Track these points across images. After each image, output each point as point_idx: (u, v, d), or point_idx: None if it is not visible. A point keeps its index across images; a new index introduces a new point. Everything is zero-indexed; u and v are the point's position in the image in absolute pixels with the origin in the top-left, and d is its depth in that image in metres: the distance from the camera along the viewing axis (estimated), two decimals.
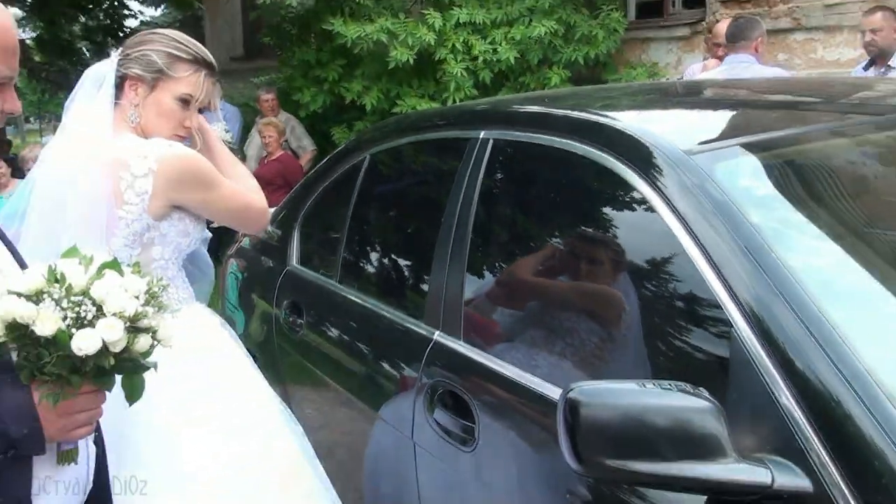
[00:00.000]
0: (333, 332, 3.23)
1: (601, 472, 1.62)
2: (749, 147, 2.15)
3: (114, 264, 1.68)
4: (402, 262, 3.15)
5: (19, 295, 1.57)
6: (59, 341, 1.56)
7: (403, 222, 3.28)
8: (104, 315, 1.60)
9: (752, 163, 2.12)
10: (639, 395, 1.60)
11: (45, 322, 1.55)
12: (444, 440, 2.39)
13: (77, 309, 1.59)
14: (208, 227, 2.84)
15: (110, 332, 1.58)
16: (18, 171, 7.74)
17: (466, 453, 2.31)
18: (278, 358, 3.39)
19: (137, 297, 1.64)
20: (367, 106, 8.42)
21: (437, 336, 2.55)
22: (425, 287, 2.73)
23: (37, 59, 18.14)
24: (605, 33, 8.35)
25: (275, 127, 8.60)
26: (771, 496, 1.55)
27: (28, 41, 20.13)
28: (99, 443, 1.91)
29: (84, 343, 1.56)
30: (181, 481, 2.46)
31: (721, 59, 6.11)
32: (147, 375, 1.77)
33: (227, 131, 9.75)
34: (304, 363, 3.28)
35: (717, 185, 1.96)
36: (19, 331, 1.56)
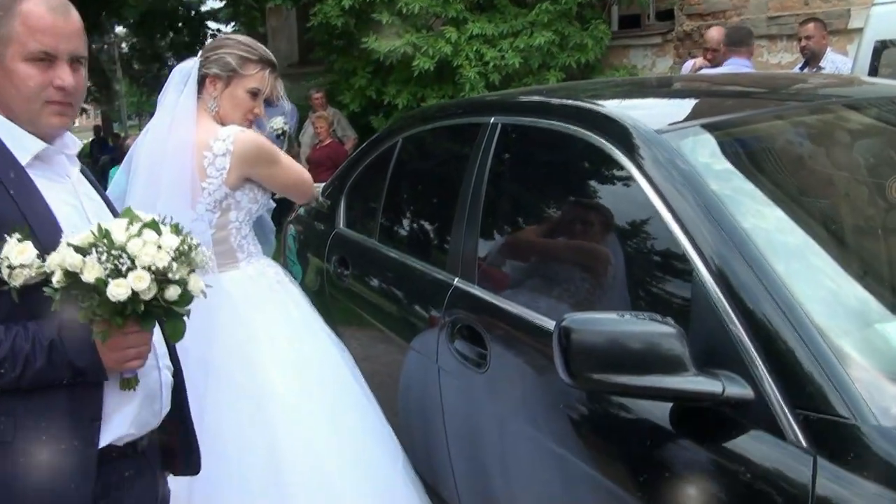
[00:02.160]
0: (373, 281, 3.25)
1: (588, 385, 1.64)
2: (709, 127, 2.14)
3: (153, 224, 1.62)
4: (428, 224, 3.15)
5: (75, 248, 1.54)
6: (98, 287, 1.53)
7: (429, 192, 3.28)
8: (136, 268, 1.55)
9: (711, 140, 2.11)
10: (618, 323, 1.62)
11: (90, 271, 1.52)
12: (462, 364, 2.41)
13: (115, 262, 1.54)
14: (273, 199, 2.86)
15: (139, 283, 1.53)
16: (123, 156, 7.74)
17: (480, 375, 2.33)
18: (329, 303, 3.41)
19: (169, 253, 1.58)
20: (399, 105, 8.42)
21: (457, 282, 2.56)
22: (447, 243, 2.73)
23: (136, 67, 18.17)
24: (593, 42, 8.28)
25: (325, 119, 8.64)
26: (722, 402, 1.56)
27: (129, 53, 20.16)
28: (177, 374, 1.89)
29: (116, 290, 1.52)
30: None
31: (709, 60, 6.08)
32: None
33: (286, 123, 9.76)
34: (350, 307, 3.29)
35: (683, 158, 1.96)
36: (72, 278, 1.53)
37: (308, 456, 2.49)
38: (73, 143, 1.82)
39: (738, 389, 1.55)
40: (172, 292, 1.58)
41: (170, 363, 1.86)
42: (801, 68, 6.01)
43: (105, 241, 1.56)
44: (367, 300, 3.23)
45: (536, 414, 2.14)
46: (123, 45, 19.91)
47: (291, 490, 2.42)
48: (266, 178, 2.65)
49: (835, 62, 5.83)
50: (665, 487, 1.69)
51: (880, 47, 4.85)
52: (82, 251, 1.54)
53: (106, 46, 19.28)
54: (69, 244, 1.55)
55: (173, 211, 2.46)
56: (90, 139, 18.13)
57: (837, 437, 1.43)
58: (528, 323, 2.19)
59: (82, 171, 1.86)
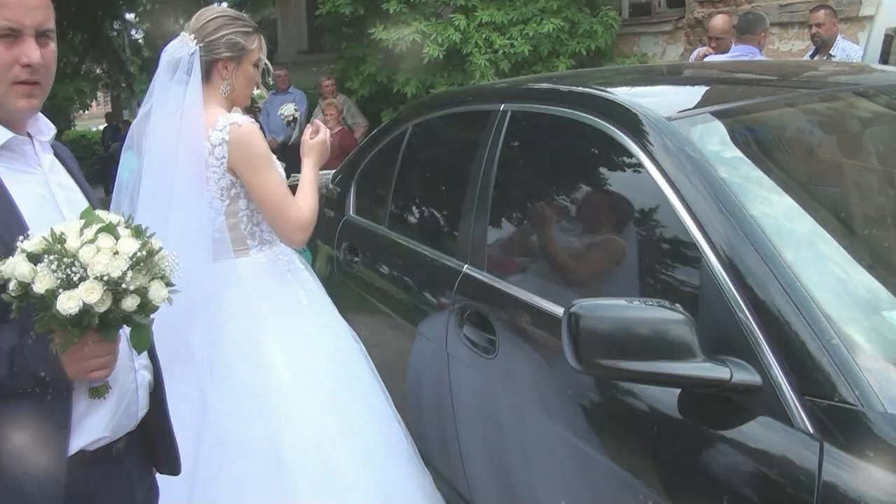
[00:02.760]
0: (384, 268, 3.26)
1: (597, 371, 1.64)
2: (719, 114, 2.14)
3: (109, 227, 1.49)
4: (437, 211, 3.15)
5: (28, 254, 1.44)
6: (48, 301, 1.42)
7: (439, 179, 3.28)
8: (88, 278, 1.43)
9: (721, 127, 2.11)
10: (627, 310, 1.62)
11: (41, 281, 1.42)
12: (471, 350, 2.41)
13: (68, 270, 1.43)
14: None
15: (90, 295, 1.42)
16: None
17: (490, 361, 2.34)
18: (339, 290, 3.42)
19: (126, 260, 1.46)
20: (408, 93, 8.40)
21: (466, 269, 2.57)
22: (456, 230, 2.73)
23: (146, 54, 18.16)
24: (603, 29, 8.25)
25: (335, 106, 8.66)
26: (730, 389, 1.57)
27: (139, 40, 20.16)
28: (155, 372, 1.80)
29: (66, 304, 1.41)
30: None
31: (714, 48, 6.04)
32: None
33: (296, 109, 9.72)
34: (360, 293, 3.30)
35: (693, 146, 1.95)
36: (24, 288, 1.43)
37: (313, 449, 2.47)
38: (48, 128, 1.72)
39: (745, 376, 1.56)
40: (130, 303, 1.48)
41: (148, 362, 1.79)
42: (812, 56, 5.98)
43: (59, 246, 1.45)
44: (377, 287, 3.24)
45: (545, 400, 2.14)
46: (134, 32, 19.92)
47: (296, 484, 2.40)
48: (246, 183, 2.51)
49: (845, 50, 5.80)
50: (672, 473, 1.71)
51: (892, 35, 4.82)
52: (35, 258, 1.44)
53: (116, 33, 19.29)
54: (22, 250, 1.45)
55: (190, 200, 2.47)
56: (103, 126, 18.17)
57: (844, 424, 1.44)
58: (537, 309, 2.19)
59: (59, 157, 1.76)
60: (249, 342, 2.52)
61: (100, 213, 1.55)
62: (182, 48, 2.55)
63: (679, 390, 1.67)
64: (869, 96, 2.37)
